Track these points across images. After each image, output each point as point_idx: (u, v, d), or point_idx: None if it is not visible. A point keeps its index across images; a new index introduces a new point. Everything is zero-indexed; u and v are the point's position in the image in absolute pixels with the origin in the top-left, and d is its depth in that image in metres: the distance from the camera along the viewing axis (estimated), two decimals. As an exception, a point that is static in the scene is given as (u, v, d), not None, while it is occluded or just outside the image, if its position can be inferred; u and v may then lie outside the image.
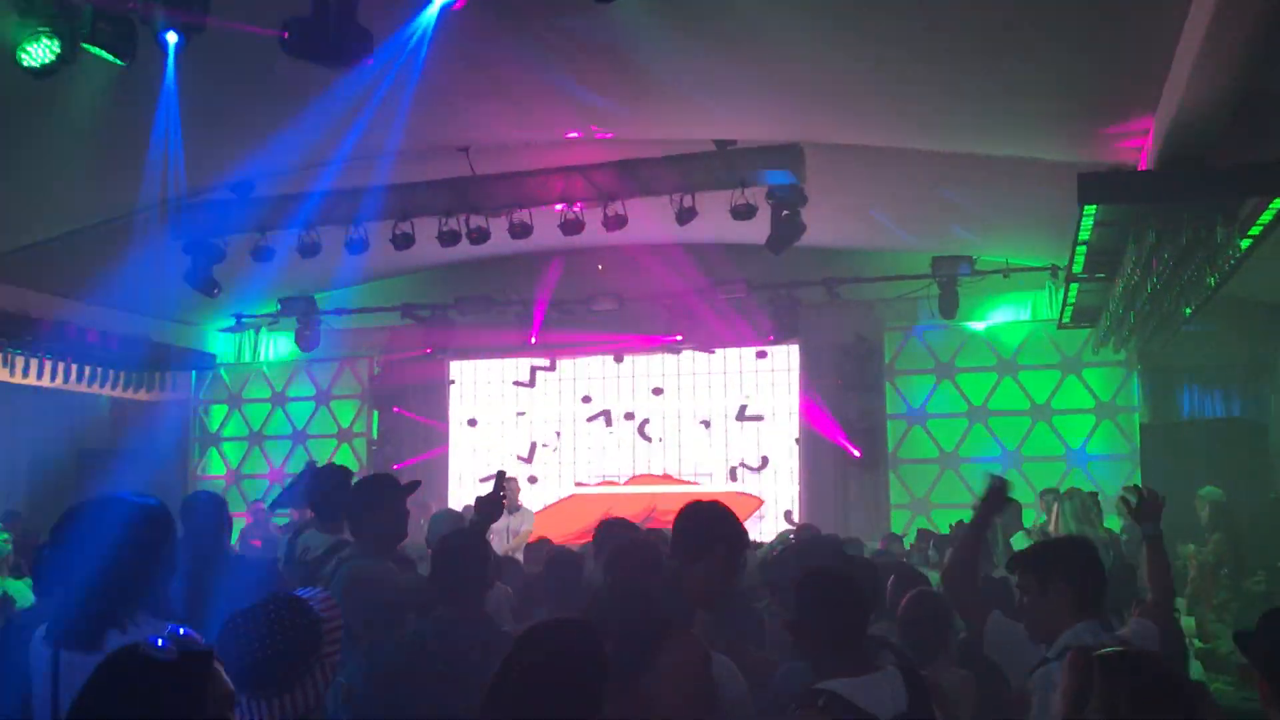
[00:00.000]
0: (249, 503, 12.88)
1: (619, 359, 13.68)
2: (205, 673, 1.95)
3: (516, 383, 14.08)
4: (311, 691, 2.41)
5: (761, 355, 13.28)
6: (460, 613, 3.72)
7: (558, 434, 13.90)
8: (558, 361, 13.90)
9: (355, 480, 4.93)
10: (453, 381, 14.26)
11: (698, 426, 13.43)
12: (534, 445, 13.94)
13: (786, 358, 13.23)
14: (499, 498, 4.14)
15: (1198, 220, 6.57)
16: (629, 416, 13.67)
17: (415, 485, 4.75)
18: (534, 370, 14.01)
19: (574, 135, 8.94)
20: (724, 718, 3.16)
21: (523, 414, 13.96)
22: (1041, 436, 12.16)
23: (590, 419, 13.79)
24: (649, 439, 13.52)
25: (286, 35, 5.84)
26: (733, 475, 13.24)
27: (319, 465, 7.94)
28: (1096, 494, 9.78)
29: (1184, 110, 5.90)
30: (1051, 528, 8.55)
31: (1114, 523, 9.28)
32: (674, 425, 13.55)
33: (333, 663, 2.45)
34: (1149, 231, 7.08)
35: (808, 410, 12.92)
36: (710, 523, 3.57)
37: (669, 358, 13.52)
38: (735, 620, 4.17)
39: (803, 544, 5.89)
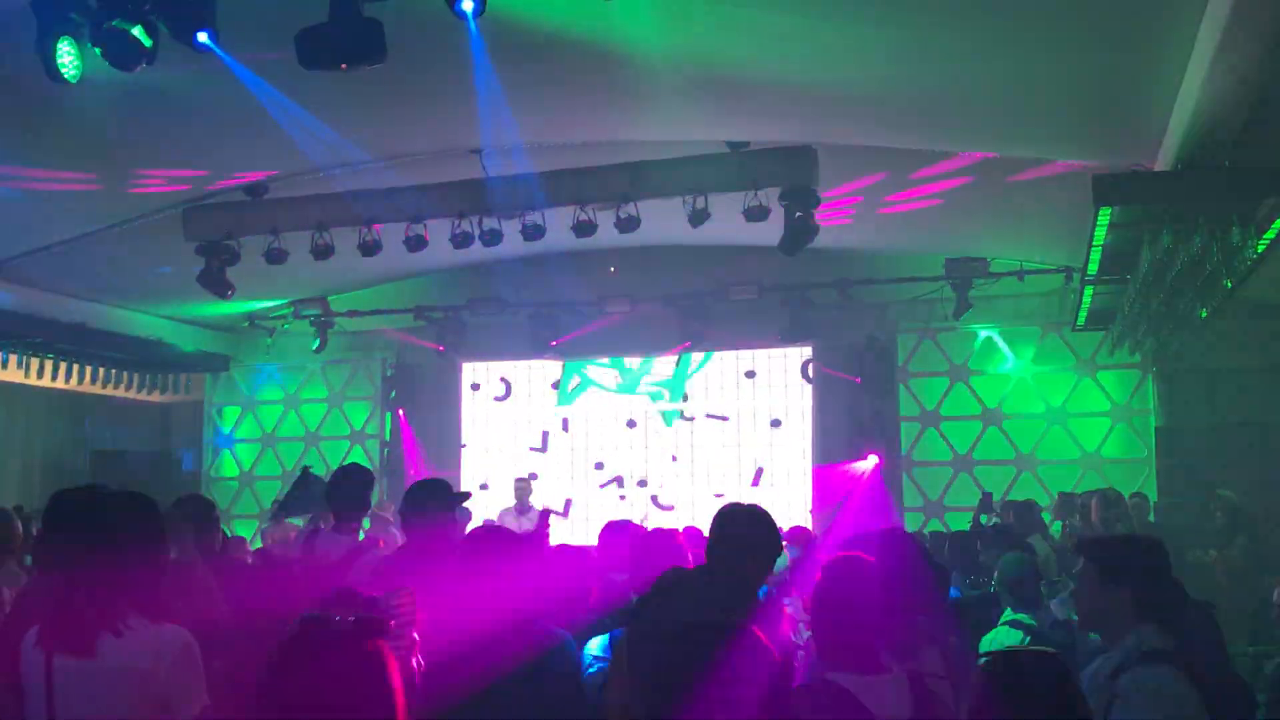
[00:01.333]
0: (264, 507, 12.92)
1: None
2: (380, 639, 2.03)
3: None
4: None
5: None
6: None
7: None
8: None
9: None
10: (476, 387, 14.25)
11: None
12: (545, 434, 13.94)
13: (799, 358, 13.21)
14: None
15: (1213, 223, 6.52)
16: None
17: (466, 495, 4.81)
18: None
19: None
20: None
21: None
22: (1056, 439, 12.11)
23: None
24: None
25: (298, 53, 5.90)
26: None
27: (313, 471, 7.93)
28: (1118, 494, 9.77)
29: (1200, 112, 5.87)
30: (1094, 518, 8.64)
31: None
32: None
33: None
34: (1164, 234, 7.04)
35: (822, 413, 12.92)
36: (750, 527, 3.62)
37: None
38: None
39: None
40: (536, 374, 14.03)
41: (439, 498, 4.62)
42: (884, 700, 2.89)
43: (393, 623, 2.45)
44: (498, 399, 14.13)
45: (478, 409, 14.27)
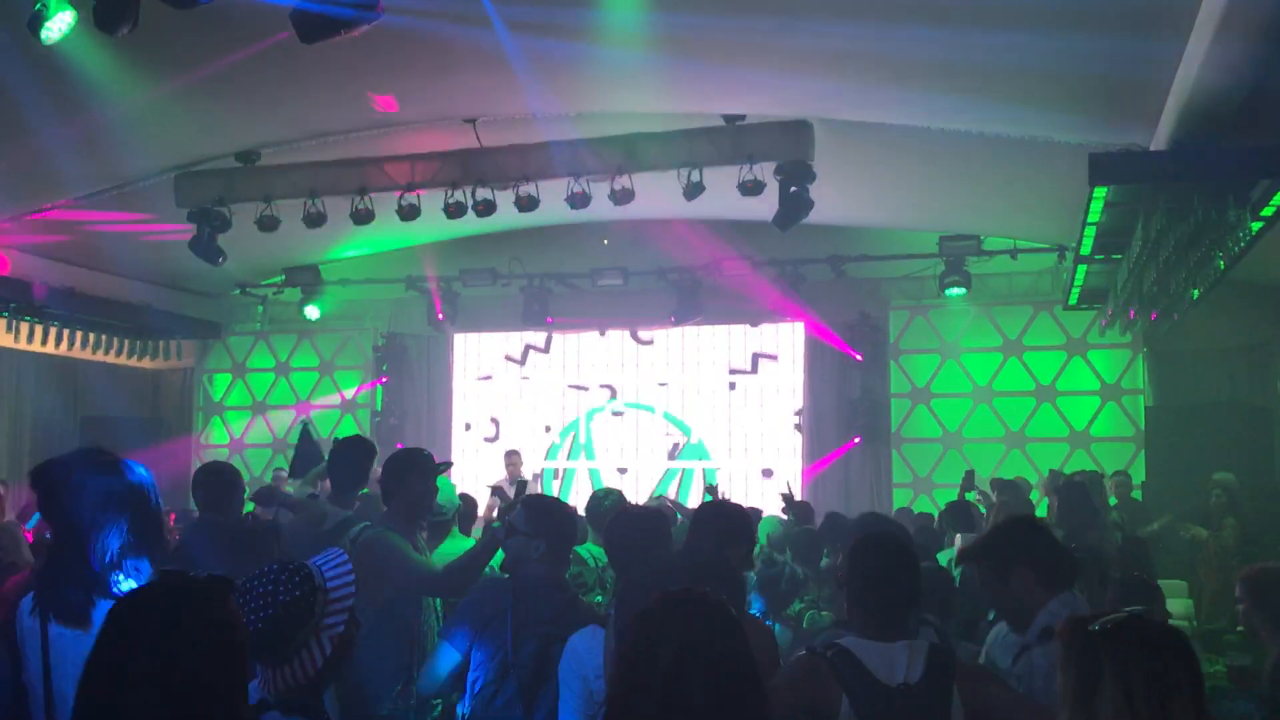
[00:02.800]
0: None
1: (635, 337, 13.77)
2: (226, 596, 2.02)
3: (508, 357, 14.12)
4: (310, 660, 2.41)
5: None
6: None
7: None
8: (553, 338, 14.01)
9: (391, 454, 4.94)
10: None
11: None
12: (526, 348, 14.09)
13: (791, 334, 13.23)
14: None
15: (1208, 202, 6.52)
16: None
17: (447, 465, 4.81)
18: (527, 348, 14.09)
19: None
20: None
21: (526, 379, 14.01)
22: (1046, 417, 12.15)
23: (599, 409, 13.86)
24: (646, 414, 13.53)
25: (297, 31, 5.85)
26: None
27: (312, 427, 7.93)
28: (1099, 474, 9.80)
29: (1197, 92, 5.86)
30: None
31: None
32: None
33: (335, 633, 2.44)
34: (1158, 213, 7.04)
35: (811, 386, 12.96)
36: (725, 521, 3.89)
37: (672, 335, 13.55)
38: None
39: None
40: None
41: (420, 469, 4.58)
42: (895, 665, 2.98)
43: (331, 596, 2.48)
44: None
45: (468, 385, 14.31)
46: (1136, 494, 10.50)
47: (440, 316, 13.47)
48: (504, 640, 3.62)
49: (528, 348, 14.10)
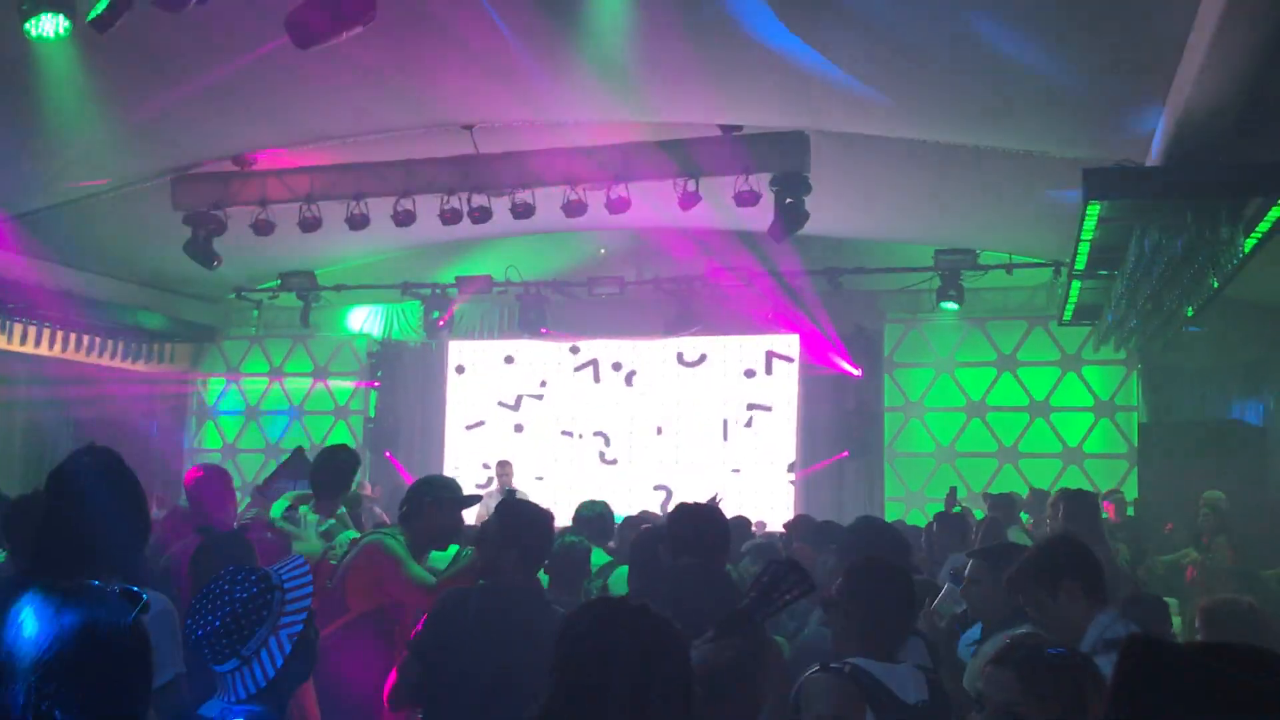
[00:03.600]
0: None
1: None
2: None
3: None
4: (270, 660, 2.40)
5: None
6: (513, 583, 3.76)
7: (542, 383, 13.92)
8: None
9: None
10: (461, 369, 14.24)
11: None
12: (519, 397, 13.95)
13: (786, 348, 13.22)
14: None
15: (1201, 220, 6.53)
16: (616, 367, 13.72)
17: (475, 500, 4.79)
18: (520, 398, 14.03)
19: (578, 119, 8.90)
20: None
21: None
22: (1039, 433, 12.15)
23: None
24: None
25: (291, 36, 5.86)
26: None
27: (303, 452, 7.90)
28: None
29: (1192, 108, 5.87)
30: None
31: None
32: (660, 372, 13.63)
33: (294, 632, 2.44)
34: (1152, 229, 7.05)
35: (805, 399, 12.95)
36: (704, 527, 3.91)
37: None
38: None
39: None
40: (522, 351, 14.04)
41: (444, 502, 4.54)
42: (905, 686, 3.01)
43: (289, 596, 2.47)
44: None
45: (462, 390, 14.28)
46: (1131, 511, 10.49)
47: (441, 324, 13.45)
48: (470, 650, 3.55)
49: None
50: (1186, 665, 1.26)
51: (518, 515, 3.90)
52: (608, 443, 13.59)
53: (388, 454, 13.74)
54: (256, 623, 2.40)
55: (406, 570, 4.29)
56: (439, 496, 4.51)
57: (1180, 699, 1.21)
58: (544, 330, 13.15)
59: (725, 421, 13.30)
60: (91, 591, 1.82)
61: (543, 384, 13.89)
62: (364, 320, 14.07)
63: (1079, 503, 6.96)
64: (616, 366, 13.71)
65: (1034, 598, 3.46)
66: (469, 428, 14.07)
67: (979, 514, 8.85)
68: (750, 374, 13.36)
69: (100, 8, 5.62)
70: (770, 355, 13.27)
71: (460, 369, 14.24)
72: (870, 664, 2.99)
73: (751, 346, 13.32)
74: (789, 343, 13.14)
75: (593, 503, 5.99)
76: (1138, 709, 1.24)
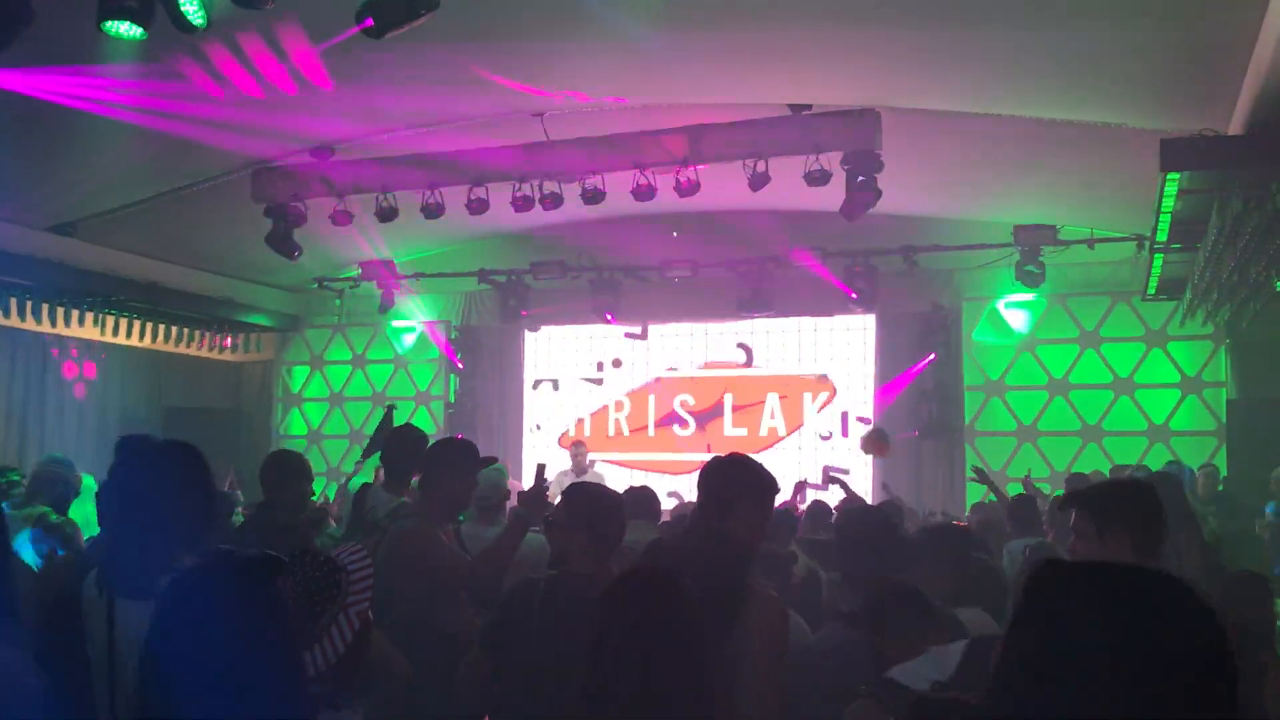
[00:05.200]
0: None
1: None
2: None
3: (599, 366, 14.18)
4: (339, 639, 2.47)
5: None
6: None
7: (616, 362, 14.09)
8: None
9: (434, 441, 4.96)
10: (536, 329, 14.43)
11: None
12: (600, 364, 14.14)
13: (863, 328, 13.11)
14: (541, 492, 4.20)
15: (1287, 188, 6.34)
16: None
17: (493, 460, 4.85)
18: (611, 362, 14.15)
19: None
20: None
21: (600, 380, 14.08)
22: (1124, 411, 11.90)
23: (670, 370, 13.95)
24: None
25: (371, 23, 5.96)
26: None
27: (394, 411, 8.05)
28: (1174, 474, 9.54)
29: (1273, 74, 5.69)
30: None
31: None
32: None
33: (360, 611, 2.51)
34: (1234, 200, 6.85)
35: (884, 380, 12.84)
36: (730, 476, 3.48)
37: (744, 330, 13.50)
38: (768, 573, 4.15)
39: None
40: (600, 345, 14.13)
41: (457, 465, 4.55)
42: (922, 672, 2.89)
43: (353, 577, 2.54)
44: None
45: (539, 370, 14.43)
46: (1221, 488, 10.23)
47: (524, 313, 13.60)
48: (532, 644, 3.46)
49: (599, 374, 14.18)
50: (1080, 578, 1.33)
51: (585, 499, 3.78)
52: (681, 423, 13.66)
53: (459, 436, 13.91)
54: (327, 602, 2.48)
55: (437, 552, 4.31)
56: (452, 460, 4.54)
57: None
58: (609, 317, 13.19)
59: (801, 403, 13.26)
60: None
61: (616, 364, 14.03)
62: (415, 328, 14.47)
63: (1163, 486, 6.79)
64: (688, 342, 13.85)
65: (1083, 537, 3.30)
66: (537, 384, 14.37)
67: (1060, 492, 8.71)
68: (825, 351, 13.29)
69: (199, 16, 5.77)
70: (843, 335, 13.19)
71: (534, 357, 14.41)
72: (902, 671, 2.89)
73: (825, 328, 13.24)
74: (864, 323, 13.04)
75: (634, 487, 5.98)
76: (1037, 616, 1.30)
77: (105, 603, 2.97)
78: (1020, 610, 1.37)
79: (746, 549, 3.36)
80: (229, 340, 14.72)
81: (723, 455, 3.59)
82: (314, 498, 6.82)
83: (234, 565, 2.11)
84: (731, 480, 3.45)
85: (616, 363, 13.97)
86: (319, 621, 2.46)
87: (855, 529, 4.01)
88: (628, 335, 13.89)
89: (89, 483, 7.60)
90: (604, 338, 14.05)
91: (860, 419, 13.02)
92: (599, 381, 14.05)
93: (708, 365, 13.70)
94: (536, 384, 14.35)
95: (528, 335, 14.33)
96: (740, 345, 13.59)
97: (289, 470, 5.33)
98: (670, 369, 13.84)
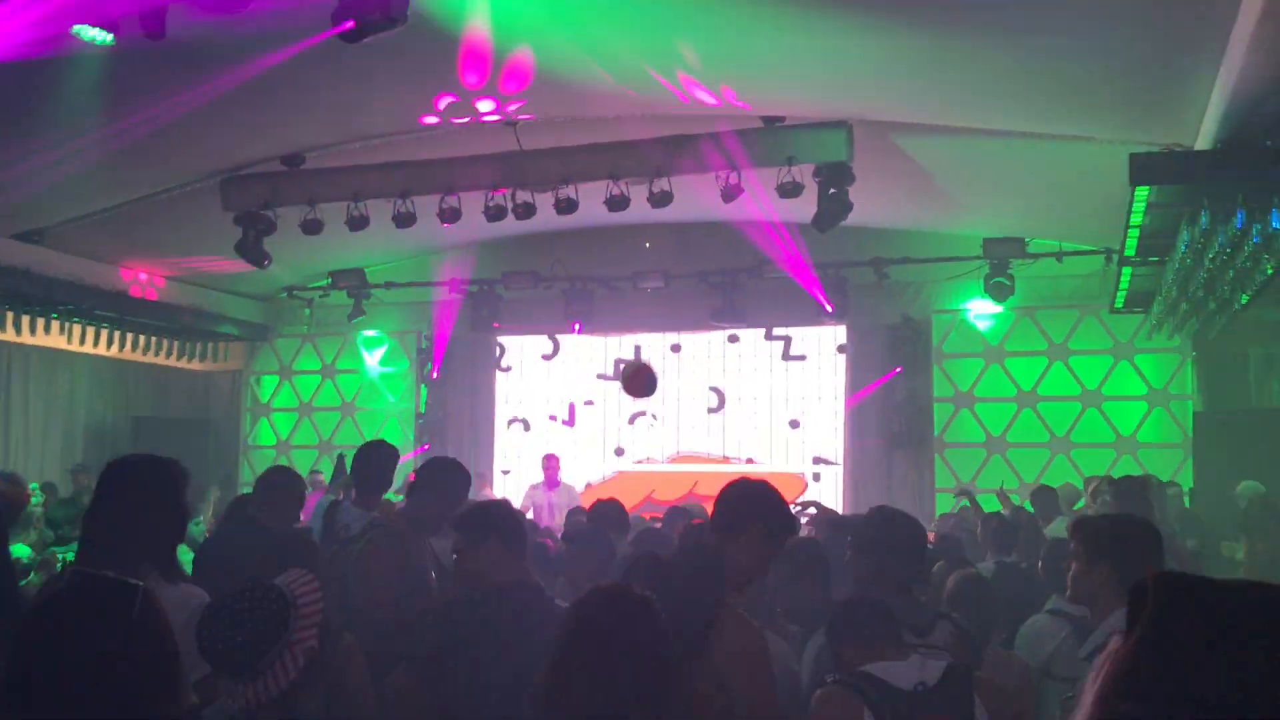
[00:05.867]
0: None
1: (676, 349, 13.69)
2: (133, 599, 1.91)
3: (552, 352, 14.14)
4: (283, 674, 2.46)
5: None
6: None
7: (589, 402, 14.01)
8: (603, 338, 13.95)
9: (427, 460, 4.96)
10: (507, 369, 14.35)
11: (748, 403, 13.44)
12: (573, 406, 14.00)
13: (833, 338, 13.16)
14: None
15: (1252, 203, 6.41)
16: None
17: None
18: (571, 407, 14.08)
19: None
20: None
21: (591, 403, 14.00)
22: (1091, 423, 12.00)
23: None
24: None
25: (353, 25, 5.87)
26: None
27: (343, 460, 7.97)
28: (1153, 480, 9.60)
29: (1240, 90, 5.76)
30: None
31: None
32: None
33: (305, 647, 2.49)
34: (1202, 214, 6.93)
35: (853, 390, 12.89)
36: (747, 501, 3.43)
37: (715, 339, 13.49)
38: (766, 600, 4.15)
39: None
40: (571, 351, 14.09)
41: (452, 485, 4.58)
42: (907, 673, 2.92)
43: (302, 611, 2.53)
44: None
45: (510, 385, 14.37)
46: (1185, 501, 10.31)
47: (496, 324, 13.57)
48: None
49: (571, 405, 14.08)
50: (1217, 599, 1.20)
51: (483, 510, 3.84)
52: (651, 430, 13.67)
53: (424, 446, 13.88)
54: (271, 641, 2.47)
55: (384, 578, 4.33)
56: (445, 484, 4.58)
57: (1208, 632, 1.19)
58: (576, 327, 13.16)
59: (771, 414, 13.28)
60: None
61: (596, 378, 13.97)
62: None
63: (1126, 489, 6.80)
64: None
65: (1071, 564, 3.41)
66: (510, 423, 14.24)
67: (1029, 505, 8.77)
68: (795, 361, 13.31)
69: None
70: (814, 346, 13.22)
71: (507, 367, 14.34)
72: (880, 667, 2.92)
73: (797, 339, 13.27)
74: (835, 334, 13.09)
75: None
76: (1165, 641, 1.21)
77: None
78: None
79: (739, 575, 3.30)
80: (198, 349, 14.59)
81: (749, 478, 3.54)
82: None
83: (95, 588, 1.96)
84: (747, 506, 3.40)
85: (589, 403, 13.92)
86: (264, 658, 2.45)
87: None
88: (600, 376, 13.85)
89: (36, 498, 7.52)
90: (577, 378, 14.04)
91: (819, 459, 13.09)
92: (570, 424, 14.00)
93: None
94: (510, 423, 14.29)
95: (498, 344, 14.29)
96: (713, 389, 13.51)
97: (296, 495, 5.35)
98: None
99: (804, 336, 13.24)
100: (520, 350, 14.33)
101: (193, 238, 11.65)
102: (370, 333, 14.52)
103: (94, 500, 3.17)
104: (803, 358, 13.28)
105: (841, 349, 13.10)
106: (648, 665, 2.31)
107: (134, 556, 2.95)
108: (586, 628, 2.37)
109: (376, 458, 5.26)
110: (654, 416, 13.61)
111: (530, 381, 14.26)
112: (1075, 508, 9.15)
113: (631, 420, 13.69)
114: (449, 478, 4.61)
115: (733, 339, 13.40)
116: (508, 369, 14.31)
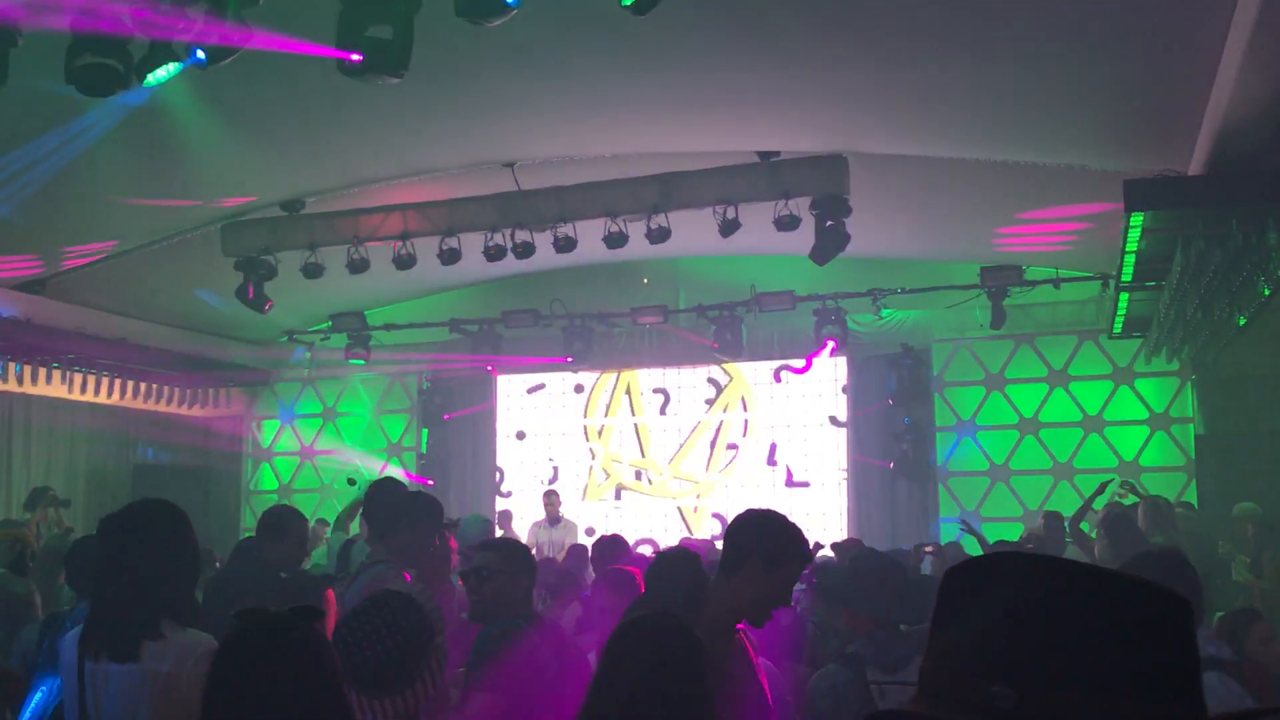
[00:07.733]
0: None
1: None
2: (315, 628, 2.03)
3: (553, 387, 14.15)
4: (429, 684, 2.44)
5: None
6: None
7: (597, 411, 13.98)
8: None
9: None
10: (508, 404, 14.36)
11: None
12: (555, 469, 14.02)
13: (834, 369, 13.18)
14: None
15: (1247, 227, 6.47)
16: (658, 392, 13.82)
17: (454, 524, 4.83)
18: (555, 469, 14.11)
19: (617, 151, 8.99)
20: None
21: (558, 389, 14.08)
22: (1094, 448, 12.00)
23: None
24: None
25: (361, 58, 5.83)
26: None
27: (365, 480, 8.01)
28: (1161, 501, 9.59)
29: (1231, 114, 5.83)
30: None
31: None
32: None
33: (443, 653, 2.48)
34: (1197, 238, 6.98)
35: (855, 422, 12.90)
36: (749, 533, 3.18)
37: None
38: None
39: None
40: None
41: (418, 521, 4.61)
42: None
43: (431, 616, 2.54)
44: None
45: (511, 420, 14.37)
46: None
47: (494, 372, 13.59)
48: None
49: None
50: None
51: (516, 546, 3.94)
52: (648, 470, 13.64)
53: (425, 481, 13.83)
54: (424, 649, 2.48)
55: None
56: (413, 516, 4.63)
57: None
58: (569, 360, 13.20)
59: (774, 445, 13.28)
60: None
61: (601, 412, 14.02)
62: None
63: (1115, 526, 6.87)
64: (658, 392, 13.78)
65: None
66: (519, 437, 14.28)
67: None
68: (798, 393, 13.34)
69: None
70: (816, 378, 13.24)
71: (507, 405, 14.37)
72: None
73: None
74: (836, 365, 13.12)
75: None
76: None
77: (77, 664, 2.96)
78: None
79: (733, 608, 3.12)
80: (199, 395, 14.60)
81: (757, 509, 3.27)
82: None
83: (273, 627, 2.03)
84: (747, 538, 3.15)
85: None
86: (413, 665, 2.41)
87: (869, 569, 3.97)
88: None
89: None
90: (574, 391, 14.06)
91: (794, 481, 13.12)
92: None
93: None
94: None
95: (499, 383, 14.31)
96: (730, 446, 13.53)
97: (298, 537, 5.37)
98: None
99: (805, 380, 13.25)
100: (521, 385, 14.34)
101: (195, 284, 11.70)
102: (371, 373, 14.53)
103: (107, 549, 3.17)
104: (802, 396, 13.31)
105: (841, 382, 13.12)
106: (690, 694, 2.31)
107: (154, 602, 2.96)
108: (629, 657, 2.36)
109: (384, 497, 5.28)
110: (649, 480, 13.62)
111: (531, 414, 14.28)
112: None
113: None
114: (417, 513, 4.65)
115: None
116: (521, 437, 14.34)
